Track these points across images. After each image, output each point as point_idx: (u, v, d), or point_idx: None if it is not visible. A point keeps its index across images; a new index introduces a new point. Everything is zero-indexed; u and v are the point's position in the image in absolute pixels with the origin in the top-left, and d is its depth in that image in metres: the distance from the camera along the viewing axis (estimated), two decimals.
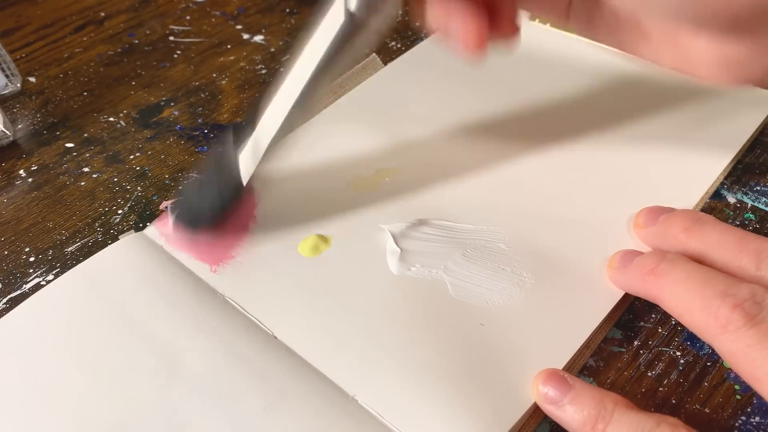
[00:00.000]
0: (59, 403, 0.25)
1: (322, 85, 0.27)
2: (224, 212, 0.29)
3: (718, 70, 0.24)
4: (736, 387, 0.26)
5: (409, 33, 0.44)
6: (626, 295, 0.28)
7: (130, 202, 0.34)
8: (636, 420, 0.22)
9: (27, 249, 0.32)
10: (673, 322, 0.28)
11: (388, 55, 0.42)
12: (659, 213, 0.28)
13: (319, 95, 0.27)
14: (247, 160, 0.28)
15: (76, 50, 0.45)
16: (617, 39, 0.27)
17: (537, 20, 0.42)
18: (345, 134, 0.35)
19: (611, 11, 0.26)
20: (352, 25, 0.25)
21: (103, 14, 0.48)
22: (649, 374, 0.26)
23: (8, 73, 0.40)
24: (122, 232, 0.32)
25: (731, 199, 0.32)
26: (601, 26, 0.27)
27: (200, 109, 0.39)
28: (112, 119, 0.39)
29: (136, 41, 0.45)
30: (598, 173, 0.33)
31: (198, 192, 0.30)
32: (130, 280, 0.29)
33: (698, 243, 0.26)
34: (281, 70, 0.27)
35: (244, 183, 0.28)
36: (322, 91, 0.27)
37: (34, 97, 0.41)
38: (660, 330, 0.27)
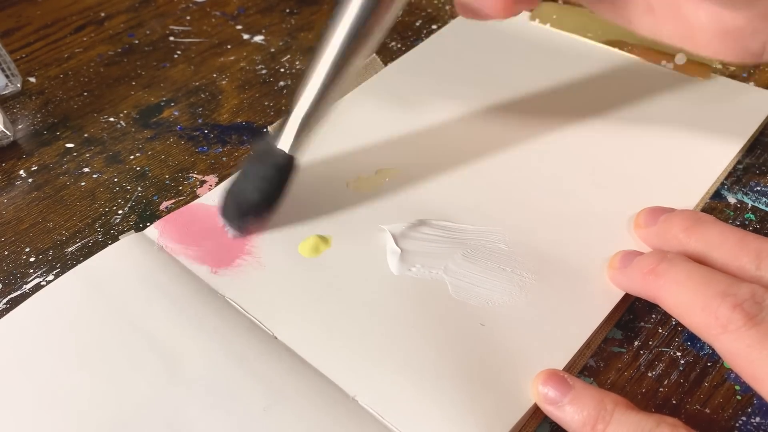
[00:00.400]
0: (60, 404, 0.25)
1: (355, 57, 0.27)
2: (276, 193, 0.29)
3: (717, 42, 0.24)
4: (737, 387, 0.26)
5: (409, 33, 0.44)
6: (626, 296, 0.28)
7: (131, 202, 0.34)
8: (636, 420, 0.22)
9: (27, 249, 0.32)
10: (674, 323, 0.28)
11: (388, 55, 0.42)
12: (659, 213, 0.28)
13: (352, 68, 0.27)
14: (288, 137, 0.28)
15: (76, 50, 0.45)
16: (621, 12, 0.27)
17: (537, 20, 0.42)
18: (345, 134, 0.35)
19: None
20: None
21: (103, 14, 0.48)
22: (650, 375, 0.26)
23: (8, 73, 0.40)
24: (122, 232, 0.32)
25: (731, 200, 0.32)
26: (607, 0, 0.27)
27: (200, 109, 0.39)
28: (112, 119, 0.39)
29: (136, 41, 0.45)
30: (598, 173, 0.33)
31: (245, 182, 0.29)
32: (130, 280, 0.29)
33: (698, 243, 0.26)
34: (315, 47, 0.27)
35: (290, 154, 0.29)
36: (355, 64, 0.27)
37: (34, 97, 0.41)
38: (660, 330, 0.27)
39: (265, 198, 0.29)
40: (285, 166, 0.29)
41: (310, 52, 0.27)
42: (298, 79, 0.28)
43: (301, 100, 0.28)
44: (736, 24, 0.23)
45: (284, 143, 0.29)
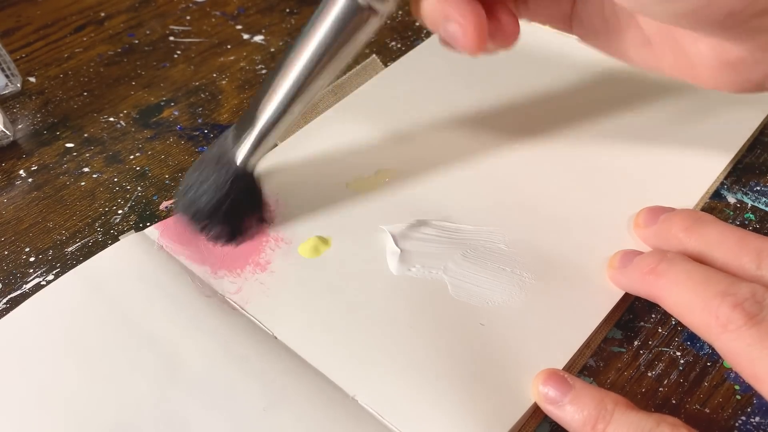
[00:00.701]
0: (59, 404, 0.25)
1: (322, 72, 0.27)
2: (228, 204, 0.29)
3: (720, 74, 0.24)
4: (736, 387, 0.26)
5: (409, 33, 0.44)
6: (626, 295, 0.28)
7: (130, 202, 0.34)
8: (636, 420, 0.22)
9: (27, 249, 0.32)
10: (673, 322, 0.28)
11: (388, 55, 0.42)
12: (659, 213, 0.28)
13: (320, 81, 0.27)
14: (246, 148, 0.28)
15: (76, 50, 0.45)
16: (619, 47, 0.26)
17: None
18: (345, 135, 0.35)
19: (613, 18, 0.26)
20: (353, 12, 0.25)
21: (103, 14, 0.48)
22: (649, 374, 0.26)
23: (8, 73, 0.40)
24: (122, 232, 0.32)
25: (731, 199, 0.32)
26: (602, 34, 0.27)
27: (200, 109, 0.39)
28: (112, 119, 0.39)
29: (136, 41, 0.45)
30: (598, 173, 0.33)
31: (199, 185, 0.29)
32: (130, 280, 0.29)
33: (698, 242, 0.26)
34: (284, 55, 0.27)
35: (240, 166, 0.29)
36: (323, 78, 0.27)
37: (34, 97, 0.41)
38: (660, 330, 0.27)
39: (215, 213, 0.29)
40: (243, 182, 0.29)
41: (276, 62, 0.27)
42: (263, 85, 0.28)
43: (262, 115, 0.28)
44: (737, 55, 0.23)
45: (240, 156, 0.29)
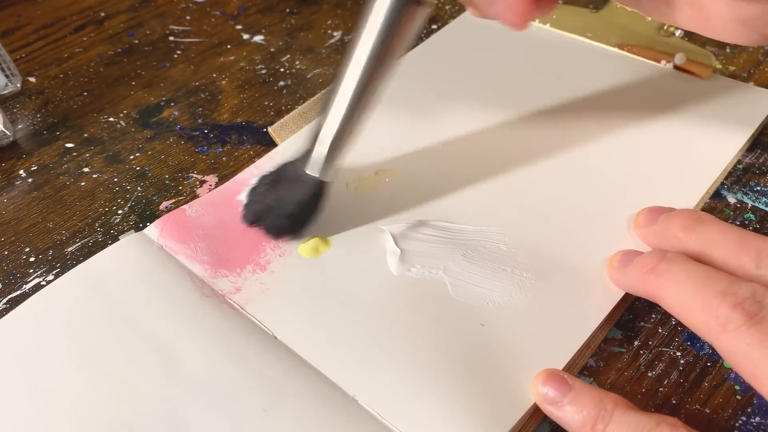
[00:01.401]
0: (59, 404, 0.25)
1: (382, 73, 0.27)
2: (306, 213, 0.30)
3: (734, 29, 0.25)
4: (737, 387, 0.26)
5: None
6: (626, 295, 0.28)
7: (130, 202, 0.34)
8: (636, 420, 0.22)
9: (27, 249, 0.32)
10: (674, 322, 0.28)
11: None
12: (659, 213, 0.28)
13: (380, 83, 0.27)
14: (318, 162, 0.29)
15: (76, 50, 0.45)
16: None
17: (537, 20, 0.42)
18: None
19: None
20: (402, 9, 0.25)
21: (103, 14, 0.48)
22: (649, 374, 0.26)
23: (8, 73, 0.40)
24: (122, 232, 0.32)
25: (731, 199, 0.32)
26: None
27: (200, 109, 0.39)
28: (112, 119, 0.39)
29: (136, 41, 0.45)
30: (598, 174, 0.33)
31: (276, 200, 0.30)
32: (130, 280, 0.29)
33: (698, 242, 0.26)
34: (341, 60, 0.27)
35: (319, 178, 0.29)
36: (383, 79, 0.27)
37: (34, 97, 0.41)
38: (660, 330, 0.27)
39: (298, 225, 0.30)
40: (318, 193, 0.29)
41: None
42: (324, 98, 0.28)
43: (328, 122, 0.28)
44: (753, 13, 0.24)
45: (314, 168, 0.29)
